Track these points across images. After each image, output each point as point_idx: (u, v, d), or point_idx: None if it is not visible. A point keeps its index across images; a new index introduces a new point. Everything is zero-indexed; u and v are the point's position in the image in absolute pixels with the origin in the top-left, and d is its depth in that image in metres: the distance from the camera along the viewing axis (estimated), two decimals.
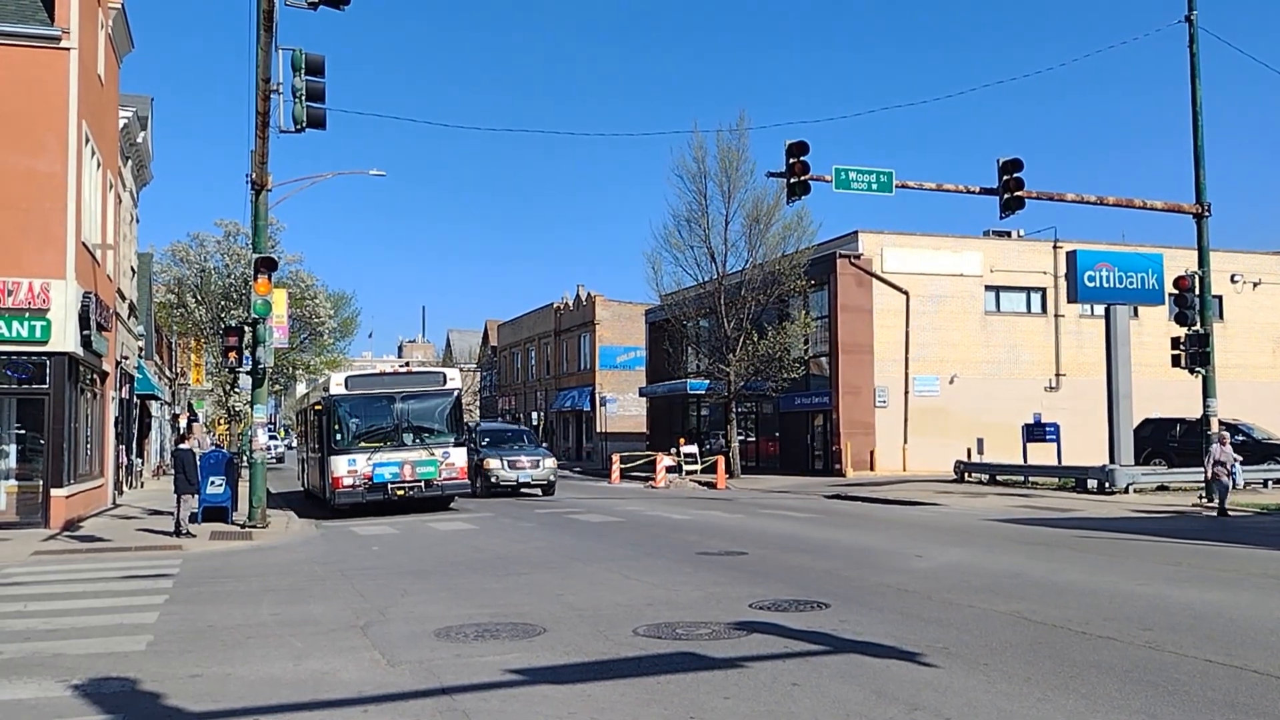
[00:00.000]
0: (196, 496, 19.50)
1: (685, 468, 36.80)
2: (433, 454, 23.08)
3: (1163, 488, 26.54)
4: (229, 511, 20.96)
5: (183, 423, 47.38)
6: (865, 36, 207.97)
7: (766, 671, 7.44)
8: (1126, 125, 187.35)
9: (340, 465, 22.64)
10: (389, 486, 22.57)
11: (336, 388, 23.56)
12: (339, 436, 23.04)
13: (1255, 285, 43.17)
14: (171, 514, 19.03)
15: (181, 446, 19.85)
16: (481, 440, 31.56)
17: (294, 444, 53.45)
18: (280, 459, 62.52)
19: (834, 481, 33.44)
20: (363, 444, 23.01)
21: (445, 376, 24.75)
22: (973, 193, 23.05)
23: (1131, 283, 27.53)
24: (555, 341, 66.62)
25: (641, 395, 50.82)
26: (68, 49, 19.48)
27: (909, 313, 38.50)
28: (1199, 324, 23.66)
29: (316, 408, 26.29)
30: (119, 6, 24.77)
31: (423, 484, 22.84)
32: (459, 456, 23.55)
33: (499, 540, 17.37)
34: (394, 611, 10.40)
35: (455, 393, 24.46)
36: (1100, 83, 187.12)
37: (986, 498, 25.49)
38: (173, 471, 20.42)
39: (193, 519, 19.09)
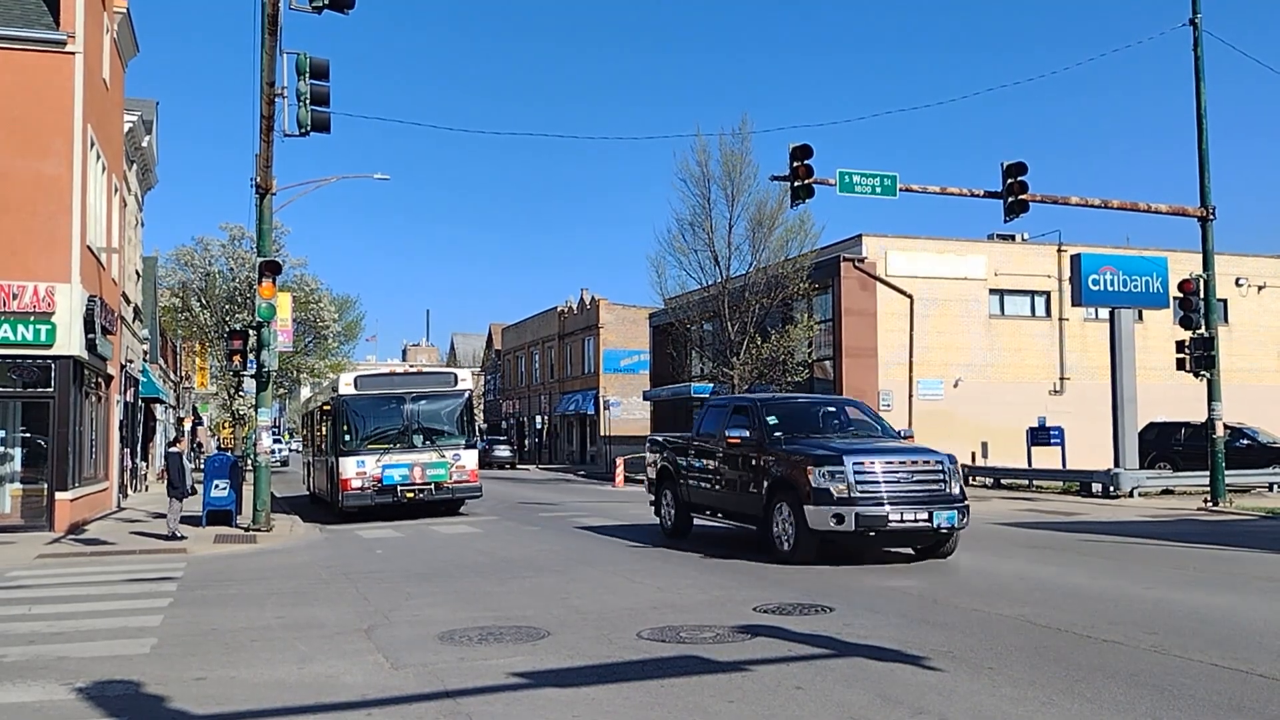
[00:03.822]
0: (183, 500, 19.34)
1: None
2: (443, 456, 22.80)
3: (1168, 491, 26.49)
4: (233, 515, 20.96)
5: (187, 426, 47.55)
6: (869, 40, 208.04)
7: (770, 675, 7.42)
8: (1131, 128, 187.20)
9: (349, 467, 22.30)
10: (398, 489, 22.24)
11: (346, 388, 23.28)
12: (348, 437, 22.67)
13: (1260, 288, 43.04)
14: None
15: (171, 450, 19.84)
16: (771, 426, 14.69)
17: (298, 447, 53.43)
18: (285, 462, 62.53)
19: None
20: (372, 445, 22.63)
21: (456, 377, 24.50)
22: (977, 196, 23.00)
23: (1136, 286, 27.53)
24: (559, 345, 66.63)
25: (645, 399, 50.78)
26: (73, 53, 19.53)
27: (913, 316, 38.42)
28: (1204, 327, 23.61)
29: (325, 408, 26.07)
30: (124, 10, 24.83)
31: (432, 486, 22.51)
32: (469, 459, 23.24)
33: (503, 544, 17.36)
34: (398, 615, 10.40)
35: (466, 394, 24.16)
36: (1105, 85, 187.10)
37: (991, 501, 25.44)
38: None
39: (197, 523, 19.09)
